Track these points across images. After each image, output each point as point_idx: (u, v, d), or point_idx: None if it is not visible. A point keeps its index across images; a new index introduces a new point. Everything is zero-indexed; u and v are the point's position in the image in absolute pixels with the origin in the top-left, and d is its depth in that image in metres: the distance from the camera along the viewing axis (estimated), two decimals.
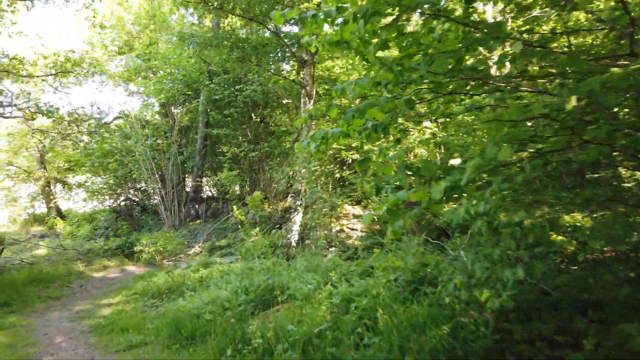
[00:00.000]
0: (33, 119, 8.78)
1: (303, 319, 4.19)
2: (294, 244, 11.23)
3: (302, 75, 12.03)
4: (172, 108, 17.76)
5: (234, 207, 15.21)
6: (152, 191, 19.13)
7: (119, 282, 9.31)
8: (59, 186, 21.08)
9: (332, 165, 11.43)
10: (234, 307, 5.07)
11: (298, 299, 4.95)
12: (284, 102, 12.29)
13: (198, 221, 17.77)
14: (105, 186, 18.82)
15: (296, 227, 11.95)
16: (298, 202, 12.16)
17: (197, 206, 18.27)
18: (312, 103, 12.15)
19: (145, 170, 16.75)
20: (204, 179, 18.30)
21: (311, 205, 11.46)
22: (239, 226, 15.52)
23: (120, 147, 18.43)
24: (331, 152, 11.09)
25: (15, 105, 7.09)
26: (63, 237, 15.45)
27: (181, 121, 17.22)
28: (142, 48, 16.33)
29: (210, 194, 19.91)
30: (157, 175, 16.95)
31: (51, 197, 19.91)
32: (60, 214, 20.09)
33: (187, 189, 18.62)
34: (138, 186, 19.75)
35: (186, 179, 19.05)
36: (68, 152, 20.13)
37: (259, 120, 15.70)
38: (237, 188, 15.82)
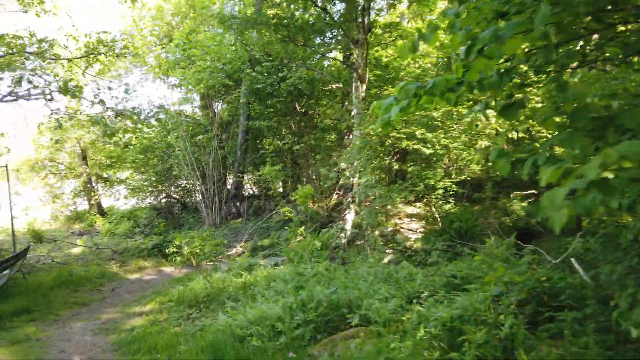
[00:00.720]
0: (51, 100, 7.94)
1: (392, 356, 2.91)
2: (345, 245, 10.01)
3: (355, 56, 10.78)
4: (212, 101, 16.88)
5: (279, 204, 14.17)
6: (192, 188, 18.43)
7: (153, 285, 8.36)
8: (100, 183, 20.77)
9: (389, 157, 10.08)
10: (288, 330, 3.86)
11: (375, 322, 3.68)
12: (334, 86, 11.05)
13: (239, 219, 16.84)
14: (146, 183, 18.29)
15: (348, 226, 10.70)
16: (349, 199, 10.91)
17: (238, 204, 17.34)
18: (364, 88, 10.87)
19: (185, 166, 15.97)
20: (245, 176, 17.35)
21: (364, 201, 10.19)
22: (287, 226, 14.47)
23: (160, 142, 17.84)
24: (389, 141, 9.75)
25: (31, 81, 6.27)
26: (101, 235, 14.89)
27: (222, 115, 16.33)
28: (182, 36, 15.53)
29: (251, 191, 19.01)
30: (197, 172, 16.14)
31: (92, 193, 19.58)
32: (102, 211, 19.74)
33: (228, 186, 17.77)
34: (178, 183, 19.11)
35: (227, 176, 18.16)
36: (109, 148, 19.76)
37: (303, 111, 14.54)
38: (280, 184, 14.66)
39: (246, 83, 14.21)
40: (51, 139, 18.45)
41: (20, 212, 17.23)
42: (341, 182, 13.99)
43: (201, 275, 7.49)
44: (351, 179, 10.93)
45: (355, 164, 10.10)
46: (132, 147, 19.14)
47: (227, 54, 14.15)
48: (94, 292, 7.85)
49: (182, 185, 19.16)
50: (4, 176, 20.62)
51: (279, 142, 13.18)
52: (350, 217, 10.92)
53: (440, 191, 9.47)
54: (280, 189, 18.02)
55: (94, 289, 8.01)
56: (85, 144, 19.38)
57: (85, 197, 20.35)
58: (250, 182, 16.50)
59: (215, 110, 17.59)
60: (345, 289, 4.48)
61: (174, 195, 19.42)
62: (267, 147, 14.79)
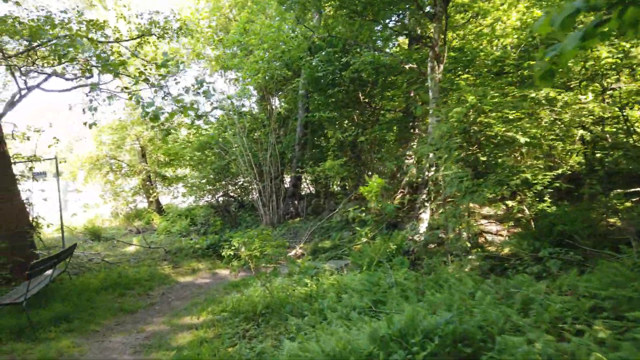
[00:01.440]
0: (89, 74, 7.24)
1: None
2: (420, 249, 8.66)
3: (431, 32, 9.40)
4: (270, 94, 16.03)
5: (340, 202, 13.04)
6: (249, 186, 17.74)
7: (207, 291, 7.45)
8: (159, 180, 20.62)
9: (474, 147, 8.60)
10: None
11: None
12: (407, 67, 9.71)
13: (298, 219, 15.87)
14: (203, 181, 17.81)
15: (423, 228, 9.34)
16: (424, 196, 9.53)
17: (296, 202, 16.38)
18: (441, 68, 9.45)
19: (242, 163, 15.23)
20: (303, 173, 16.37)
21: (445, 199, 8.77)
22: (349, 226, 13.31)
23: (218, 138, 17.27)
24: (475, 128, 8.29)
25: (70, 54, 5.53)
26: (157, 233, 14.43)
27: (280, 110, 15.44)
28: (239, 26, 14.79)
29: (309, 190, 18.03)
30: (254, 169, 15.34)
31: (151, 191, 19.42)
32: (160, 209, 19.53)
33: (286, 184, 16.88)
34: (235, 180, 18.50)
35: (284, 172, 17.27)
36: (167, 145, 19.52)
37: (366, 101, 13.29)
38: (339, 181, 13.47)
39: (306, 72, 13.18)
40: (85, 123, 18.43)
41: (79, 209, 17.27)
42: (407, 178, 12.65)
43: (259, 280, 6.46)
44: (426, 173, 9.55)
45: (431, 155, 8.73)
46: (189, 144, 18.83)
47: (286, 40, 13.16)
48: (142, 296, 7.04)
49: (239, 183, 18.54)
50: (66, 175, 21.10)
51: (340, 134, 12.01)
52: (425, 216, 9.54)
53: (538, 187, 7.88)
54: (338, 187, 16.92)
55: (143, 293, 7.20)
56: (144, 140, 19.24)
57: (144, 195, 20.26)
58: (308, 179, 15.43)
59: (273, 104, 16.77)
60: (459, 314, 3.19)
61: (231, 193, 18.83)
62: (328, 140, 13.74)
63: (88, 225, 14.34)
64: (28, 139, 8.52)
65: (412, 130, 12.91)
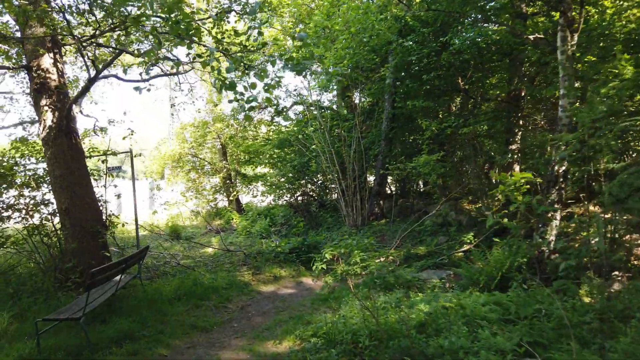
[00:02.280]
0: (156, 47, 6.36)
1: None
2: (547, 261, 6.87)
3: None
4: (354, 85, 14.74)
5: (437, 202, 11.47)
6: (330, 184, 16.64)
7: (291, 305, 6.32)
8: (239, 179, 20.22)
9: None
10: None
11: None
12: (531, 37, 7.91)
13: (383, 220, 14.47)
14: (283, 179, 17.03)
15: (553, 235, 7.50)
16: (554, 196, 7.68)
17: (381, 202, 14.98)
18: (575, 39, 7.55)
19: (324, 159, 14.14)
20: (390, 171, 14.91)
21: (583, 202, 6.93)
22: (443, 230, 11.67)
23: (298, 135, 16.39)
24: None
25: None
26: (236, 233, 13.76)
27: (363, 102, 14.11)
28: (322, 12, 13.70)
29: (392, 189, 16.54)
30: (337, 166, 14.17)
31: (231, 189, 19.02)
32: (240, 208, 19.07)
33: (369, 183, 15.56)
34: (315, 179, 17.51)
35: (367, 170, 15.91)
36: (248, 143, 19.04)
37: (465, 88, 11.53)
38: (438, 178, 11.80)
39: (396, 57, 11.73)
40: (172, 105, 18.26)
41: (161, 207, 17.21)
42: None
43: (355, 297, 5.18)
44: (557, 167, 7.70)
45: (563, 148, 6.91)
46: (269, 141, 18.18)
47: (374, 22, 11.78)
48: (218, 309, 6.06)
49: (319, 182, 17.51)
50: (148, 173, 21.39)
51: (437, 126, 10.39)
52: (555, 223, 7.69)
53: None
54: (430, 185, 15.23)
55: (219, 304, 6.23)
56: (225, 138, 18.89)
57: (224, 194, 19.96)
58: (394, 177, 13.93)
59: (356, 97, 15.52)
60: None
61: (311, 193, 17.87)
62: (418, 134, 12.17)
63: (169, 224, 14.03)
64: (105, 131, 7.96)
65: (515, 122, 10.99)
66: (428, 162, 10.25)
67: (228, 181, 19.36)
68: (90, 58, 6.96)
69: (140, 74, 8.73)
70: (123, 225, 7.57)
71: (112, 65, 8.44)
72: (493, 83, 12.91)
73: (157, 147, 20.84)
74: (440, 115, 12.12)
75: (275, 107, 19.02)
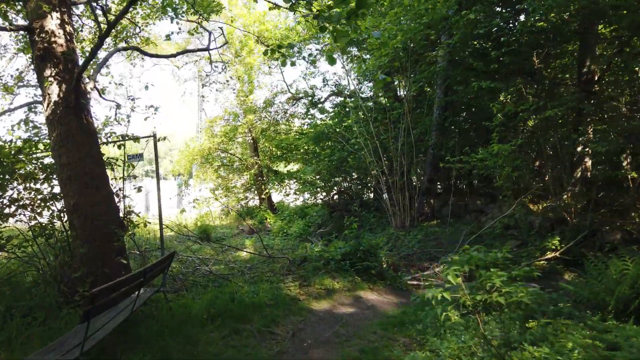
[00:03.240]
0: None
1: None
2: None
3: None
4: (401, 73, 13.19)
5: (507, 202, 9.89)
6: (371, 181, 15.15)
7: (356, 331, 4.87)
8: (271, 176, 18.89)
9: None
10: None
11: None
12: None
13: (434, 222, 12.89)
14: (318, 176, 15.62)
15: None
16: None
17: (432, 201, 13.38)
18: None
19: (367, 154, 12.68)
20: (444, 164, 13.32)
21: None
22: (512, 234, 10.01)
23: (337, 127, 14.96)
24: None
25: None
26: (272, 234, 12.40)
27: (412, 90, 12.53)
28: None
29: (439, 186, 14.89)
30: (383, 160, 12.68)
31: (263, 187, 17.70)
32: (272, 207, 17.75)
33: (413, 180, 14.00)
34: (354, 176, 16.03)
35: (414, 165, 14.35)
36: (280, 137, 17.72)
37: (540, 66, 9.81)
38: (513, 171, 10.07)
39: (457, 32, 10.13)
40: (203, 85, 17.04)
41: (188, 205, 16.01)
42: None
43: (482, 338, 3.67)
44: None
45: None
46: (303, 134, 16.82)
47: None
48: (263, 336, 4.64)
49: (358, 179, 16.02)
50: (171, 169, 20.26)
51: (511, 107, 8.69)
52: None
53: None
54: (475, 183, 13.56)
55: (264, 328, 4.81)
56: (256, 132, 17.60)
57: (255, 191, 18.67)
58: (454, 172, 12.31)
59: (402, 84, 13.95)
60: None
61: (347, 191, 16.41)
62: (484, 120, 10.54)
63: (197, 223, 12.81)
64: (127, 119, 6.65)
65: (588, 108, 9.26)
66: (501, 152, 8.60)
67: (259, 178, 18.07)
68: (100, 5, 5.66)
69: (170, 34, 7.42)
70: (145, 224, 6.26)
71: (131, 35, 7.17)
72: (564, 64, 11.17)
73: (187, 143, 19.71)
74: (509, 100, 10.42)
75: (310, 98, 17.65)
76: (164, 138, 6.29)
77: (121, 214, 5.83)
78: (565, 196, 9.23)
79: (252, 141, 18.19)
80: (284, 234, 12.12)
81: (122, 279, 3.65)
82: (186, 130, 40.93)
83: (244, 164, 18.57)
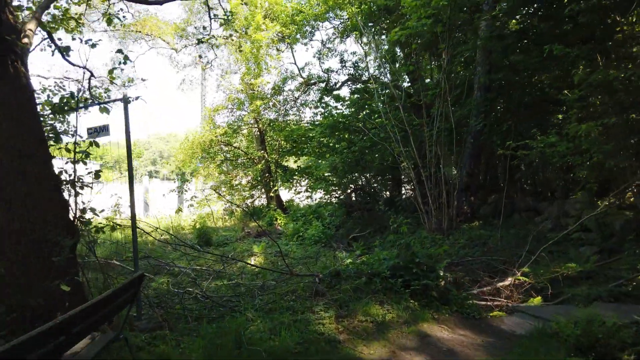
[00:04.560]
0: None
1: None
2: None
3: None
4: (436, 44, 11.19)
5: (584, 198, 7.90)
6: (401, 175, 13.20)
7: None
8: (279, 172, 16.90)
9: None
10: None
11: None
12: None
13: (475, 223, 10.88)
14: (332, 173, 13.67)
15: None
16: None
17: (472, 198, 11.36)
18: None
19: (397, 143, 10.73)
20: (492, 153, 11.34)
21: None
22: (590, 239, 7.97)
23: (357, 116, 13.04)
24: None
25: None
26: (285, 238, 10.42)
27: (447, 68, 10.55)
28: None
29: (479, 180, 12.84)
30: (414, 151, 10.72)
31: (271, 184, 15.71)
32: (281, 206, 15.78)
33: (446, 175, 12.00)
34: (375, 172, 14.04)
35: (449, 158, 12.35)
36: (291, 127, 15.75)
37: (624, 29, 7.76)
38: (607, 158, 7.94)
39: None
40: (199, 57, 15.06)
41: (186, 203, 14.01)
42: None
43: None
44: None
45: None
46: (317, 125, 14.86)
47: None
48: None
49: (379, 173, 14.04)
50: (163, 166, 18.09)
51: (603, 73, 6.66)
52: None
53: None
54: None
55: None
56: (263, 122, 15.63)
57: (262, 189, 16.68)
58: (515, 162, 10.27)
59: (442, 55, 11.95)
60: None
61: (367, 188, 14.46)
62: (549, 99, 8.56)
63: (196, 225, 10.85)
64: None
65: None
66: (590, 130, 6.52)
67: (267, 174, 16.10)
68: None
69: None
70: (114, 227, 4.31)
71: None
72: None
73: (186, 136, 17.71)
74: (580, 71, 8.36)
75: (325, 83, 15.69)
76: (137, 98, 4.30)
77: (72, 215, 3.85)
78: None
79: (258, 133, 16.23)
80: (299, 238, 10.13)
81: (32, 333, 1.71)
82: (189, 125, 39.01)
83: (249, 159, 16.62)
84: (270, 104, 15.65)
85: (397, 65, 13.50)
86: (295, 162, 17.47)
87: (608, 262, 6.80)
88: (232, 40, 14.91)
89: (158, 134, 73.00)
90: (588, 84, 6.71)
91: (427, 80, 12.66)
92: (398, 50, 13.85)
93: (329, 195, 14.33)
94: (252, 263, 6.84)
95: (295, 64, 17.29)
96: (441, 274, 5.29)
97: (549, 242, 8.24)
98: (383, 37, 14.36)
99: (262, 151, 16.08)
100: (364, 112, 12.84)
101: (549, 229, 9.35)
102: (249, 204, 16.52)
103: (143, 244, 9.47)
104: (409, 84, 12.64)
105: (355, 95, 13.94)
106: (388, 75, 13.00)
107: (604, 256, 7.27)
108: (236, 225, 14.55)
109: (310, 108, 16.63)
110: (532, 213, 10.62)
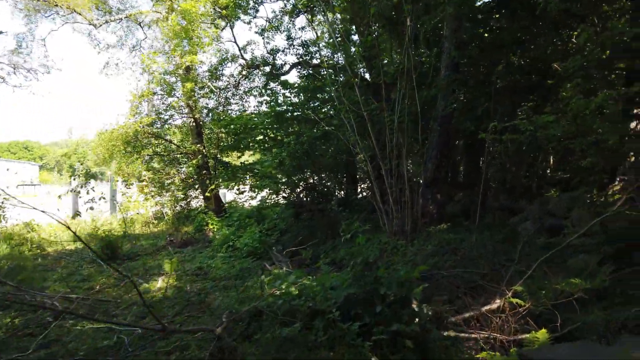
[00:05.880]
0: None
1: None
2: None
3: None
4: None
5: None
6: (358, 169, 11.46)
7: None
8: (219, 169, 14.67)
9: None
10: None
11: None
12: None
13: (443, 225, 9.23)
14: (279, 169, 11.69)
15: None
16: None
17: (438, 196, 9.70)
18: None
19: (351, 131, 8.97)
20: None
21: None
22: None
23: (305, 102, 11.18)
24: None
25: None
26: (212, 249, 8.33)
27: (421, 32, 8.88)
28: None
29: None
30: (372, 140, 8.95)
31: (208, 183, 13.46)
32: (220, 208, 13.62)
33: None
34: (326, 169, 12.19)
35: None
36: (229, 117, 13.60)
37: None
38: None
39: None
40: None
41: (84, 206, 11.47)
42: None
43: None
44: None
45: None
46: (261, 115, 12.87)
47: None
48: None
49: (333, 168, 12.23)
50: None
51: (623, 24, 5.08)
52: None
53: None
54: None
55: None
56: (198, 110, 13.41)
57: (200, 189, 14.41)
58: (500, 148, 8.67)
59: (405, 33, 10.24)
60: None
61: (319, 186, 12.60)
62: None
63: (101, 233, 8.54)
64: None
65: None
66: (595, 105, 4.91)
67: (205, 171, 13.88)
68: None
69: None
70: None
71: None
72: None
73: (104, 128, 15.04)
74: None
75: (270, 66, 13.66)
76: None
77: None
78: None
79: (194, 124, 13.99)
80: (229, 249, 8.05)
81: None
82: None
83: (184, 154, 14.35)
84: (207, 89, 13.47)
85: (352, 43, 11.73)
86: (239, 157, 15.33)
87: (621, 274, 5.22)
88: (161, 14, 12.68)
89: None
90: (597, 46, 5.10)
91: (386, 61, 11.00)
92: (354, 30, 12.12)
93: (274, 195, 12.33)
94: (107, 320, 4.72)
95: (235, 42, 15.04)
96: (416, 309, 3.44)
97: (541, 248, 6.67)
98: (338, 15, 12.59)
99: (199, 145, 13.87)
100: (317, 101, 11.04)
101: (532, 232, 7.84)
102: (183, 206, 14.24)
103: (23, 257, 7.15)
104: (367, 62, 10.87)
105: (304, 83, 12.09)
106: (342, 57, 11.17)
107: (609, 266, 5.72)
108: (168, 230, 12.28)
109: (255, 96, 14.55)
110: (508, 214, 9.13)
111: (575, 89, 5.30)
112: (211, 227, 10.72)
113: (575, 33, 5.69)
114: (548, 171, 10.04)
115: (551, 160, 9.73)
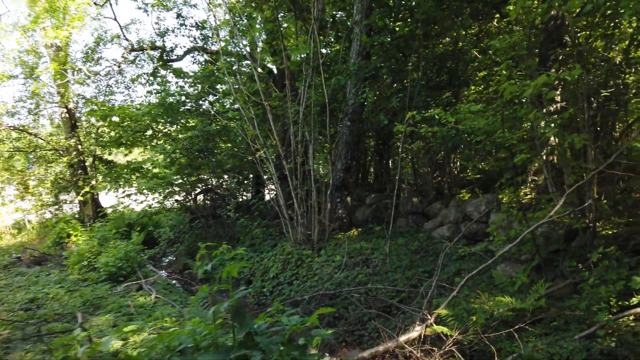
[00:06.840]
0: None
1: None
2: None
3: None
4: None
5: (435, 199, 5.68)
6: (261, 169, 10.13)
7: None
8: (100, 169, 12.46)
9: None
10: None
11: None
12: None
13: (354, 231, 8.38)
14: (169, 170, 10.01)
15: None
16: None
17: (347, 199, 8.74)
18: None
19: (251, 125, 7.69)
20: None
21: None
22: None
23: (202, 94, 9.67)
24: None
25: None
26: (62, 273, 6.48)
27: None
28: None
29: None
30: (274, 135, 7.75)
31: (81, 183, 11.25)
32: (98, 214, 11.49)
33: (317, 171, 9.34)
34: (225, 168, 10.79)
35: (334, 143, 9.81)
36: (108, 107, 11.54)
37: None
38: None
39: None
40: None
41: None
42: None
43: None
44: None
45: None
46: (148, 107, 11.04)
47: None
48: None
49: (233, 169, 10.84)
50: None
51: None
52: None
53: None
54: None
55: None
56: (67, 97, 11.19)
57: (74, 192, 12.10)
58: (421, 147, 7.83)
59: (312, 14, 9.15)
60: None
61: (218, 189, 11.16)
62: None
63: None
64: None
65: None
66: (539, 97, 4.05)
67: (80, 171, 11.66)
68: None
69: None
70: None
71: None
72: None
73: None
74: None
75: (160, 50, 11.83)
76: None
77: None
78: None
79: (67, 114, 11.70)
80: (84, 269, 6.26)
81: None
82: None
83: (54, 150, 11.97)
84: (82, 74, 11.31)
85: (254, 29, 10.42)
86: (126, 156, 13.23)
87: (555, 289, 4.52)
88: None
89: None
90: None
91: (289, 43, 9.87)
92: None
93: (163, 198, 10.57)
94: None
95: (115, 19, 12.97)
96: None
97: (461, 256, 5.93)
98: None
99: (73, 139, 11.62)
100: (217, 92, 9.55)
101: (446, 238, 7.14)
102: (53, 212, 11.85)
103: None
104: (270, 48, 9.63)
105: (202, 71, 10.51)
106: (241, 42, 9.80)
107: (533, 276, 5.04)
108: (29, 243, 9.96)
109: (144, 85, 12.62)
110: (419, 217, 8.43)
111: (503, 77, 4.51)
112: (74, 239, 8.68)
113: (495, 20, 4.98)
114: (456, 171, 9.57)
115: (457, 161, 9.25)
